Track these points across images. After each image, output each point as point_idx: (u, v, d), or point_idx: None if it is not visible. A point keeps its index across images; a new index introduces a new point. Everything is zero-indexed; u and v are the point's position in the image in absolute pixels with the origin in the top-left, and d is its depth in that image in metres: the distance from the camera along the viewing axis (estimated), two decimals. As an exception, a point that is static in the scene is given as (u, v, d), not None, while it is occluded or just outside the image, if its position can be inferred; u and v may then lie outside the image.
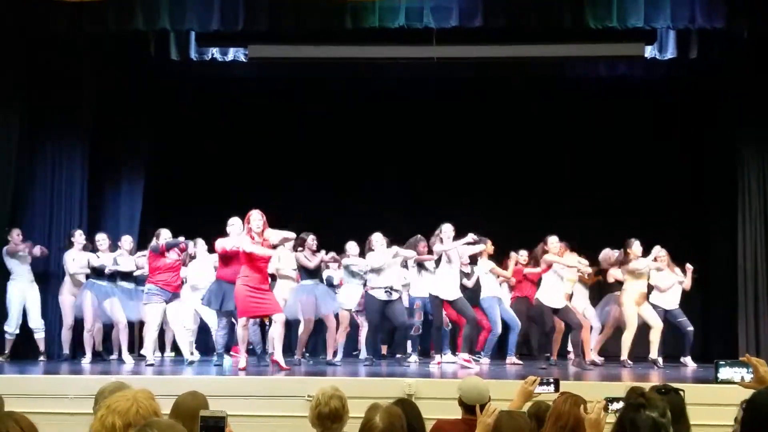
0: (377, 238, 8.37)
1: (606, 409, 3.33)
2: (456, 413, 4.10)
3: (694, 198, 10.42)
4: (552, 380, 4.14)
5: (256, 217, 7.66)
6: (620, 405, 3.20)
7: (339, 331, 8.73)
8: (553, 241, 8.41)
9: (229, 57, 9.60)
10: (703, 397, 5.34)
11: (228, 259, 7.92)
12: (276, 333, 7.89)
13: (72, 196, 9.19)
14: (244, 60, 9.54)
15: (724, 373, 3.28)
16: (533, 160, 10.90)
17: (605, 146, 10.67)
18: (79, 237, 8.70)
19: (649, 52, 9.11)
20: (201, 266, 8.91)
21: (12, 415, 2.46)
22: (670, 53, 9.12)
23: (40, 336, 8.68)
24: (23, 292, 8.56)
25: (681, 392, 3.36)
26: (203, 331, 9.14)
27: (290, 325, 8.76)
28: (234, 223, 8.02)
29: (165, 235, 8.43)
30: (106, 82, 9.57)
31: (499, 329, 8.87)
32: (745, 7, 8.02)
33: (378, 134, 10.91)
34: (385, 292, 8.28)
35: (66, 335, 8.75)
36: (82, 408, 4.80)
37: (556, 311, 8.41)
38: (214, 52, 9.57)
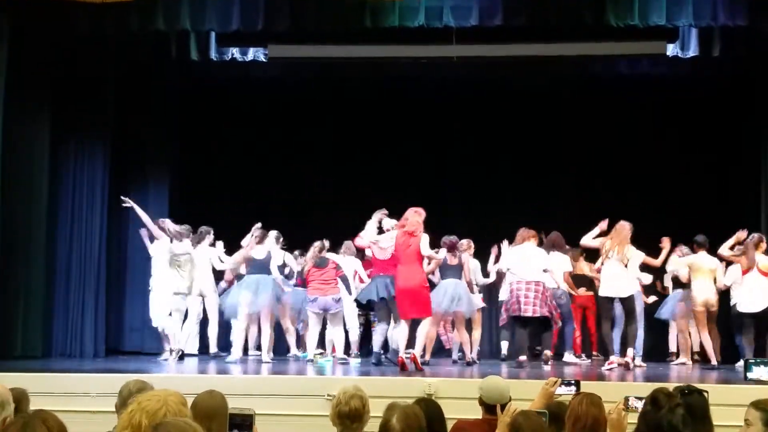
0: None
1: (626, 407, 3.32)
2: (476, 413, 4.09)
3: (719, 196, 10.31)
4: (573, 381, 4.13)
5: (419, 212, 7.75)
6: (641, 403, 3.19)
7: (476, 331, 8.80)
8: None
9: (249, 57, 9.64)
10: (728, 397, 5.29)
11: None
12: (401, 333, 7.82)
13: (94, 198, 9.25)
14: (264, 60, 9.57)
15: (755, 372, 3.26)
16: (554, 158, 10.84)
17: (627, 144, 10.59)
18: (208, 235, 8.95)
19: (671, 50, 9.04)
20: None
21: (40, 414, 2.47)
22: (693, 51, 9.04)
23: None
24: None
25: (705, 393, 3.34)
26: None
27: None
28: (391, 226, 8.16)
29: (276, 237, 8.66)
30: (127, 84, 9.64)
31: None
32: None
33: (397, 133, 10.89)
34: None
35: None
36: (104, 406, 4.83)
37: (622, 300, 8.16)
38: (234, 52, 9.61)
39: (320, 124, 11.00)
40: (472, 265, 8.77)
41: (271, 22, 8.22)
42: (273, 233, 8.76)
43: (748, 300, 8.20)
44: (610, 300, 8.22)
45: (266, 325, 8.53)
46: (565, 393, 4.02)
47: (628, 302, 8.12)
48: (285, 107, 10.93)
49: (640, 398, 3.24)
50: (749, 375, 3.16)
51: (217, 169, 10.93)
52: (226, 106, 10.94)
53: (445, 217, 9.58)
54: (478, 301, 8.80)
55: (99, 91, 9.27)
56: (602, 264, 8.23)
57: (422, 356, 7.91)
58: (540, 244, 8.53)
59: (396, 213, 9.95)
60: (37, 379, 6.66)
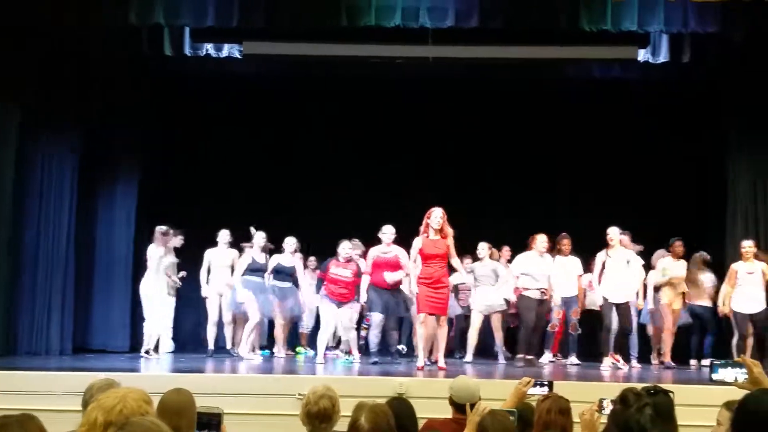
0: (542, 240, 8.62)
1: (600, 409, 3.34)
2: (447, 412, 4.11)
3: (686, 200, 10.45)
4: (546, 382, 4.14)
5: (437, 213, 7.88)
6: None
7: (470, 331, 8.97)
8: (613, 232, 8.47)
9: (224, 53, 9.57)
10: (692, 397, 5.37)
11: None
12: (439, 335, 8.06)
13: (62, 194, 9.11)
14: (238, 56, 9.51)
15: (721, 373, 3.29)
16: (526, 160, 10.92)
17: (598, 148, 10.70)
18: (223, 236, 9.07)
19: (643, 55, 9.14)
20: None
21: (21, 418, 2.41)
22: (663, 57, 9.14)
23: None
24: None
25: (670, 393, 3.37)
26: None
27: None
28: (387, 231, 8.32)
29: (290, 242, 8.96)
30: (98, 79, 9.50)
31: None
32: (739, 12, 8.06)
33: (371, 133, 10.89)
34: (540, 292, 8.51)
35: (211, 331, 9.15)
36: (71, 405, 4.77)
37: (617, 306, 8.36)
38: (209, 48, 9.54)
39: (295, 123, 10.96)
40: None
41: (246, 19, 8.16)
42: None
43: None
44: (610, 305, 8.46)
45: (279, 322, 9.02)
46: (538, 393, 4.04)
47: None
48: (259, 105, 10.87)
49: (614, 401, 3.27)
50: (714, 376, 3.19)
51: (189, 167, 10.83)
52: (200, 103, 10.84)
53: (418, 215, 9.57)
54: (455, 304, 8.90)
55: (69, 85, 9.13)
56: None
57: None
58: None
59: (370, 211, 9.99)
60: (2, 377, 6.57)
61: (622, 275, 8.36)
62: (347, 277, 8.55)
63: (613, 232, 8.40)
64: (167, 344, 9.47)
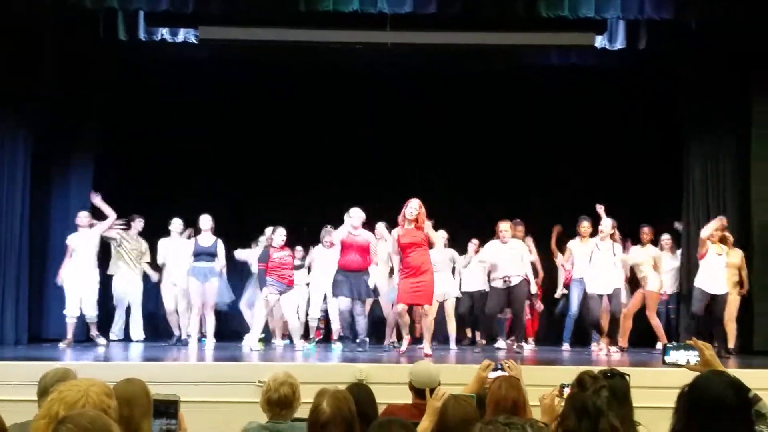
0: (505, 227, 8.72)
1: (561, 394, 3.39)
2: (407, 398, 4.13)
3: (641, 189, 10.59)
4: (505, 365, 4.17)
5: (413, 204, 7.90)
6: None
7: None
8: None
9: (180, 38, 9.41)
10: (648, 380, 5.49)
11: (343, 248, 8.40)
12: (425, 324, 8.13)
13: (14, 181, 8.89)
14: (194, 42, 9.36)
15: (672, 356, 3.36)
16: (485, 145, 10.97)
17: (556, 134, 10.80)
18: (177, 225, 9.08)
19: (600, 41, 9.22)
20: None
21: None
22: (620, 43, 9.25)
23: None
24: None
25: (627, 376, 3.43)
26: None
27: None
28: (353, 214, 8.41)
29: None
30: (52, 63, 9.28)
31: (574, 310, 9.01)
32: (694, -1, 8.21)
33: (330, 118, 10.85)
34: (503, 280, 8.62)
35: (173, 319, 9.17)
36: (26, 395, 4.69)
37: (609, 297, 8.56)
38: (164, 33, 9.37)
39: (252, 108, 10.85)
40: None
41: (202, 3, 8.06)
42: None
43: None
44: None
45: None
46: (498, 377, 4.07)
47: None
48: (217, 90, 10.74)
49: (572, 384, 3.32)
50: (666, 359, 3.28)
51: (145, 153, 10.67)
52: (156, 88, 10.66)
53: (372, 201, 9.57)
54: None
55: (21, 70, 8.89)
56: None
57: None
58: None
59: (325, 196, 9.97)
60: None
61: (609, 266, 8.59)
62: (287, 257, 8.65)
63: (605, 224, 8.63)
64: (136, 332, 9.50)
